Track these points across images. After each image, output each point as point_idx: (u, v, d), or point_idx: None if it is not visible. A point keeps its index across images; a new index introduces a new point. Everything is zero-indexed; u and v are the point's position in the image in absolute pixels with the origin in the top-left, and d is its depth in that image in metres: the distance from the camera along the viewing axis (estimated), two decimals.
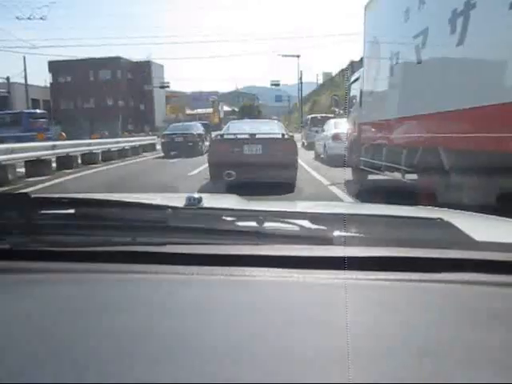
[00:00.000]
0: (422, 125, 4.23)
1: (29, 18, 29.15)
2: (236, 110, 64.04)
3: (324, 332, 0.45)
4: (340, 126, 10.31)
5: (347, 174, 7.19)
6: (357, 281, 0.58)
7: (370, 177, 6.36)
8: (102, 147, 13.67)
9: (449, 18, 3.61)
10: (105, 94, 44.09)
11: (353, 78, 7.55)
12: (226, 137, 6.55)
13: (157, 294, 0.56)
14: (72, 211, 0.78)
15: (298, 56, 43.24)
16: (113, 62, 44.84)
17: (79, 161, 11.90)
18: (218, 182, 5.94)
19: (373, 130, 6.01)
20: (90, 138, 20.31)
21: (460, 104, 3.43)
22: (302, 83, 42.58)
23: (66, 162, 10.84)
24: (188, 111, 55.61)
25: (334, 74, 50.55)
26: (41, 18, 29.06)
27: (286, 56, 45.53)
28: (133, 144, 16.70)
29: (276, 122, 8.44)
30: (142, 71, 47.59)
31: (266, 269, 0.60)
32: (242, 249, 0.65)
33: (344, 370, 0.38)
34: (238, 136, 6.38)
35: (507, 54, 2.86)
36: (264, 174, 5.67)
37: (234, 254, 0.63)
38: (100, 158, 13.22)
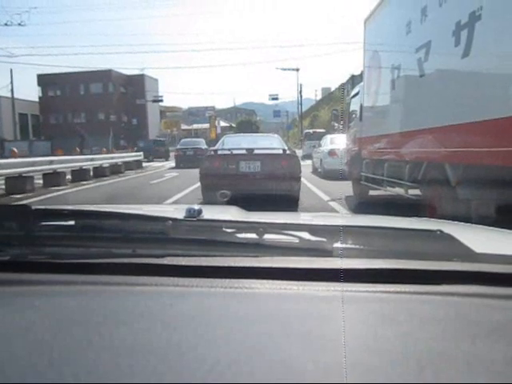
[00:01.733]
0: (425, 139, 4.29)
1: (6, 25, 28.12)
2: (233, 125, 64.70)
3: (323, 345, 0.47)
4: (336, 141, 11.50)
5: (347, 188, 7.25)
6: (356, 293, 0.59)
7: (371, 192, 6.41)
8: (70, 166, 12.08)
9: (453, 30, 3.70)
10: (96, 108, 44.38)
11: (353, 93, 7.73)
12: (220, 152, 6.04)
13: (157, 306, 0.58)
14: (72, 223, 0.80)
15: (298, 69, 43.97)
16: (104, 75, 45.20)
17: (40, 182, 10.44)
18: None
19: (373, 144, 6.08)
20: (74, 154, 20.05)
21: (463, 118, 3.49)
22: (301, 96, 43.22)
23: (16, 185, 9.05)
24: (184, 126, 56.33)
25: (332, 89, 51.27)
26: (19, 24, 27.96)
27: (285, 70, 46.08)
28: (112, 161, 15.50)
29: (276, 136, 7.74)
30: (135, 85, 48.08)
31: (265, 281, 0.62)
32: (241, 261, 0.67)
33: (344, 382, 0.39)
34: (234, 151, 5.88)
35: None
36: (262, 196, 4.89)
37: (233, 266, 0.65)
38: (70, 177, 12.00)
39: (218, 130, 51.86)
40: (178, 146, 20.44)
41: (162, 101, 49.31)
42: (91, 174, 13.51)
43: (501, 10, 3.12)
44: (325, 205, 6.59)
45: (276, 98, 51.11)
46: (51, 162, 11.05)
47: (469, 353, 0.46)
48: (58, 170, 11.20)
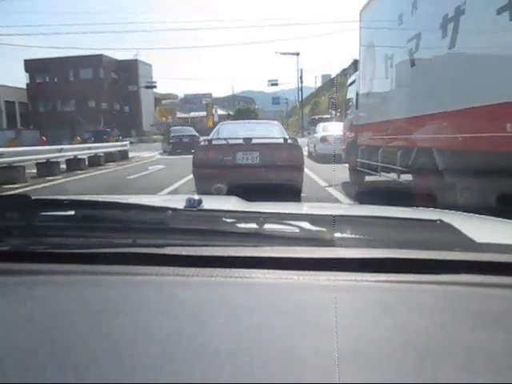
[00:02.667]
0: (415, 126, 4.71)
1: None
2: (231, 113, 64.41)
3: (323, 334, 0.49)
4: (328, 128, 13.51)
5: (339, 172, 7.79)
6: (357, 282, 0.61)
7: (367, 178, 6.87)
8: (32, 158, 10.63)
9: (440, 23, 4.10)
10: (86, 95, 44.11)
11: (349, 81, 8.22)
12: (214, 142, 5.55)
13: (157, 295, 0.60)
14: (72, 213, 0.83)
15: (298, 54, 43.41)
16: (95, 60, 44.80)
17: None
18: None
19: (368, 131, 6.54)
20: (72, 143, 20.15)
21: (447, 107, 3.91)
22: (302, 82, 42.90)
23: None
24: (180, 114, 56.03)
25: (333, 76, 51.12)
26: None
27: (284, 54, 45.61)
28: (88, 152, 14.21)
29: (276, 123, 7.18)
30: (128, 71, 47.52)
31: (266, 270, 0.64)
32: (242, 251, 0.69)
33: (344, 372, 0.41)
34: (230, 141, 5.43)
35: (495, 58, 3.33)
36: (261, 189, 3.80)
37: (234, 256, 0.67)
38: (36, 171, 10.77)
39: (216, 118, 51.37)
40: (173, 134, 22.09)
41: (155, 87, 48.95)
42: (63, 167, 12.22)
43: (481, 6, 3.52)
44: (320, 188, 7.09)
45: (276, 84, 50.71)
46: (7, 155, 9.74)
47: (469, 342, 0.47)
48: (15, 164, 9.96)
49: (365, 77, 6.90)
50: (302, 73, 43.15)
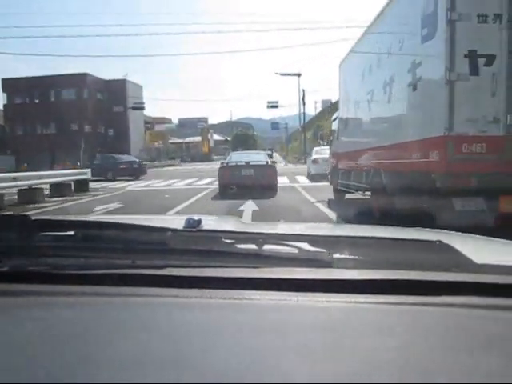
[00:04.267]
0: (371, 155, 7.75)
1: None
2: (228, 139, 68.57)
3: (323, 356, 0.55)
4: (320, 152, 18.96)
5: (328, 192, 11.45)
6: (356, 304, 0.69)
7: (347, 196, 10.17)
8: None
9: (382, 85, 7.14)
10: (69, 117, 45.15)
11: (333, 117, 11.77)
12: (229, 164, 12.91)
13: (156, 317, 0.67)
14: (71, 233, 0.94)
15: (299, 75, 45.98)
16: (79, 80, 46.52)
17: None
18: (227, 193, 12.14)
19: (345, 158, 9.87)
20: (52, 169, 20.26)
21: (385, 142, 6.94)
22: (304, 103, 45.30)
23: None
24: (173, 139, 59.46)
25: (333, 101, 53.49)
26: None
27: (285, 75, 48.34)
28: (17, 184, 12.15)
29: (263, 152, 16.72)
30: (116, 91, 49.40)
31: (265, 292, 0.72)
32: (241, 271, 0.78)
33: None
34: (238, 163, 12.67)
35: (408, 113, 6.24)
36: (254, 190, 11.06)
37: (233, 277, 0.76)
38: None
39: (211, 144, 54.81)
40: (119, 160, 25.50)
41: (143, 108, 50.52)
42: None
43: (401, 79, 6.56)
44: (309, 203, 10.28)
45: (276, 106, 52.14)
46: None
47: (468, 364, 0.53)
48: None
49: (342, 115, 10.39)
50: (304, 93, 45.39)
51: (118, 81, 50.68)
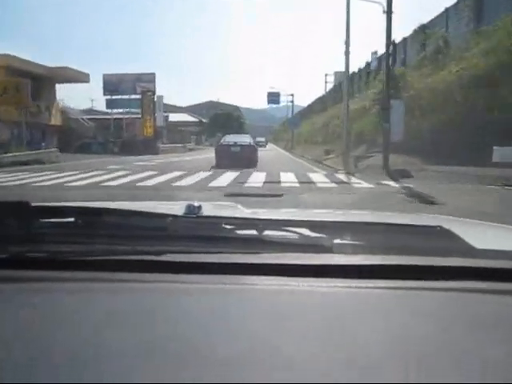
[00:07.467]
0: None
1: None
2: (204, 120, 58.81)
3: (324, 340, 0.56)
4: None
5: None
6: (357, 289, 0.70)
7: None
8: None
9: None
10: None
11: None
12: (223, 144, 19.71)
13: (157, 302, 0.68)
14: (71, 220, 0.94)
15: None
16: None
17: None
18: (221, 165, 16.70)
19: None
20: None
21: None
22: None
23: None
24: (84, 117, 36.54)
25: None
26: None
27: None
28: None
29: (248, 135, 23.92)
30: None
31: (266, 277, 0.73)
32: (241, 257, 0.79)
33: (343, 378, 0.48)
34: (229, 143, 19.48)
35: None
36: (241, 161, 16.70)
37: (233, 263, 0.77)
38: None
39: (160, 122, 36.60)
40: None
41: None
42: None
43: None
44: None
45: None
46: None
47: (467, 348, 0.54)
48: None
49: None
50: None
51: None
